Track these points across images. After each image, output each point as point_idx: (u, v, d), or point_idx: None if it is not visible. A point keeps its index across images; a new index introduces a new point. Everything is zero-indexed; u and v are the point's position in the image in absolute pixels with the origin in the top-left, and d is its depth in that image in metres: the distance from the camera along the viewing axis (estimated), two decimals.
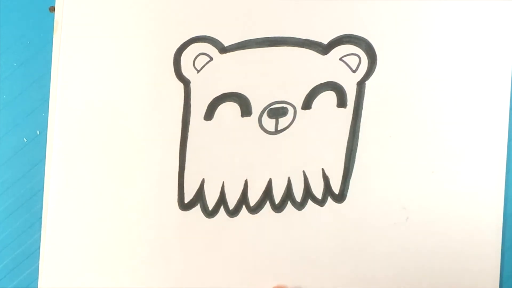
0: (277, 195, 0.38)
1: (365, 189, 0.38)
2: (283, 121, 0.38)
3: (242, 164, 0.38)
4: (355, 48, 0.38)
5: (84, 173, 0.37)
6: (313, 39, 0.37)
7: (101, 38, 0.36)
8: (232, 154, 0.38)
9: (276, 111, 0.38)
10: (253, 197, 0.38)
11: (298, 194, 0.38)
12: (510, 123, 0.38)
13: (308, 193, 0.38)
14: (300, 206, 0.38)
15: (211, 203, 0.38)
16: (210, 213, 0.38)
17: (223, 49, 0.37)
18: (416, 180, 0.38)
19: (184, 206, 0.37)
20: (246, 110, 0.38)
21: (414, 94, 0.38)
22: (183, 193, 0.37)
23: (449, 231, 0.38)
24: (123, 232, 0.37)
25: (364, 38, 0.38)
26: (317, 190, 0.38)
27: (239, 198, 0.38)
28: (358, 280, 0.38)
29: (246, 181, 0.38)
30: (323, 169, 0.38)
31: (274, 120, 0.38)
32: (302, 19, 0.37)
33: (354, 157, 0.38)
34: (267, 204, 0.38)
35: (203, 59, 0.37)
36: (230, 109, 0.37)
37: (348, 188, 0.38)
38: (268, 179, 0.38)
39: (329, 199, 0.38)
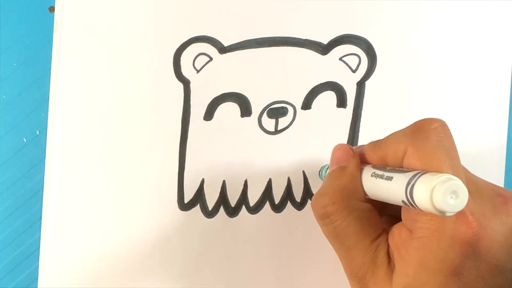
0: (277, 195, 0.38)
1: None
2: (283, 121, 0.38)
3: (242, 164, 0.38)
4: (355, 48, 0.38)
5: (84, 173, 0.37)
6: (313, 39, 0.37)
7: (101, 38, 0.36)
8: (232, 154, 0.38)
9: (276, 111, 0.38)
10: (253, 197, 0.38)
11: (298, 194, 0.38)
12: (510, 123, 0.38)
13: (307, 193, 0.38)
14: (300, 206, 0.38)
15: (211, 203, 0.38)
16: (210, 213, 0.38)
17: (223, 49, 0.37)
18: None
19: (184, 206, 0.37)
20: (246, 110, 0.38)
21: (414, 94, 0.38)
22: (183, 193, 0.37)
23: None
24: (123, 232, 0.37)
25: (364, 38, 0.38)
26: (317, 190, 0.38)
27: (239, 198, 0.38)
28: None
29: (246, 181, 0.38)
30: None
31: (274, 120, 0.38)
32: (302, 19, 0.37)
33: None
34: (267, 204, 0.38)
35: (203, 59, 0.37)
36: (230, 109, 0.37)
37: None
38: (268, 179, 0.38)
39: None
